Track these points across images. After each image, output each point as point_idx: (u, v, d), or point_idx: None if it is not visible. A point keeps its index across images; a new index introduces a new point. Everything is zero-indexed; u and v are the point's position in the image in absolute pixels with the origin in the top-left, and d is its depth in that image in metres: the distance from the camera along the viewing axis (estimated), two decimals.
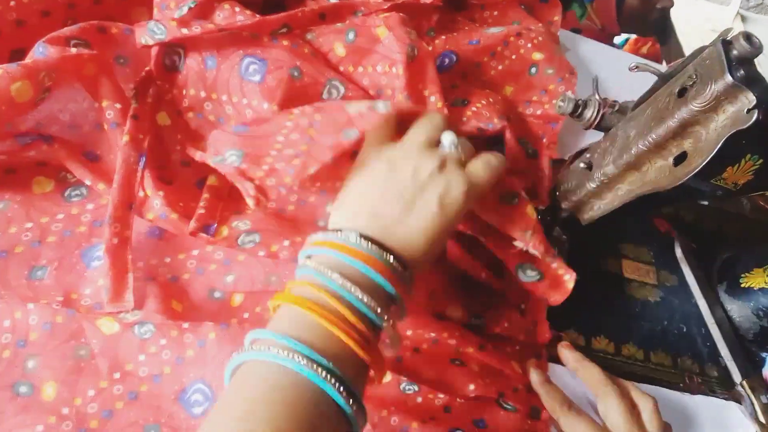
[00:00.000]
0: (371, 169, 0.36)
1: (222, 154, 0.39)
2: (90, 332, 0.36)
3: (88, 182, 0.41)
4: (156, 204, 0.40)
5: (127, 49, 0.44)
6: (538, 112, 0.58)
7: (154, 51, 0.43)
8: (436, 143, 0.37)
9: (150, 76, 0.44)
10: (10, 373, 0.35)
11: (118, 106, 0.41)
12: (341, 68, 0.48)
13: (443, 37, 0.55)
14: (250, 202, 0.38)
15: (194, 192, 0.44)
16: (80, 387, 0.36)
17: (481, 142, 0.50)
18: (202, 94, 0.45)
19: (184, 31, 0.42)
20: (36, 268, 0.39)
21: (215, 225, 0.41)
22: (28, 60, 0.39)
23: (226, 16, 0.44)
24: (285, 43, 0.44)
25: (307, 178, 0.38)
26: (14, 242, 0.39)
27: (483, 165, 0.37)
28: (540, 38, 0.57)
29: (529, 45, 0.56)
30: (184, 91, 0.45)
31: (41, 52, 0.39)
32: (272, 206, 0.41)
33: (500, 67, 0.57)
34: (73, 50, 0.39)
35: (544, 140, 0.57)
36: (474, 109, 0.52)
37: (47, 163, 0.41)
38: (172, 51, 0.43)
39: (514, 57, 0.56)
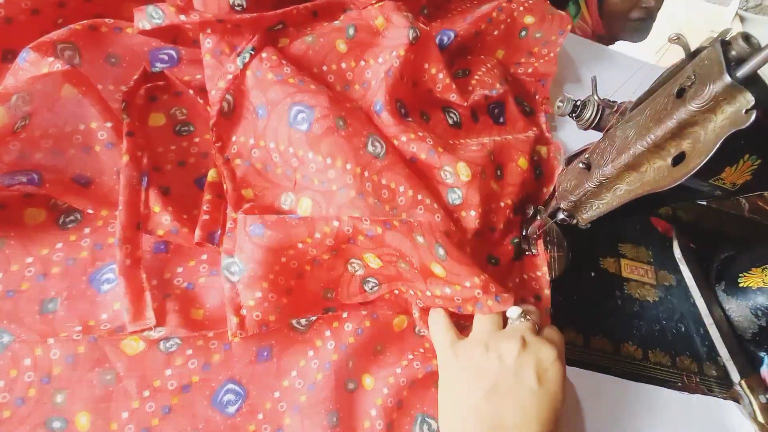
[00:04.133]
0: (459, 373, 0.36)
1: (232, 256, 0.39)
2: (113, 356, 0.37)
3: (90, 210, 0.41)
4: (166, 220, 0.40)
5: (118, 48, 0.44)
6: (529, 71, 0.61)
7: (214, 96, 0.44)
8: (503, 324, 0.38)
9: (138, 85, 0.44)
10: (41, 411, 0.35)
11: (109, 125, 0.40)
12: (343, 64, 0.48)
13: (439, 20, 0.57)
14: (229, 332, 0.38)
15: (194, 193, 0.44)
16: (113, 412, 0.36)
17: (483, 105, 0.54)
18: (251, 141, 0.45)
19: (182, 17, 0.42)
20: (46, 301, 0.38)
21: (219, 232, 0.41)
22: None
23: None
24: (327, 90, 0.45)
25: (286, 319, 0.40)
26: (19, 280, 0.38)
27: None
28: (531, 0, 0.58)
29: (522, 8, 0.57)
30: (233, 138, 0.46)
31: (23, 58, 0.39)
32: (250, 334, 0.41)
33: (496, 33, 0.58)
34: (57, 65, 0.39)
35: (537, 97, 0.60)
36: (477, 77, 0.55)
37: (34, 193, 0.40)
38: (223, 98, 0.44)
39: (508, 21, 0.58)
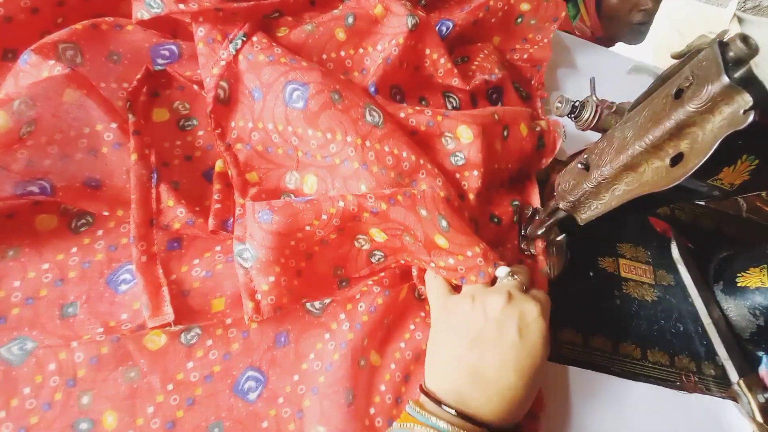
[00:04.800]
0: (446, 325, 0.38)
1: (244, 243, 0.40)
2: (136, 353, 0.37)
3: (105, 213, 0.41)
4: (180, 212, 0.41)
5: (120, 45, 0.44)
6: (525, 56, 0.62)
7: (209, 83, 0.44)
8: (493, 283, 0.40)
9: (141, 84, 0.45)
10: (68, 414, 0.35)
11: (114, 125, 0.40)
12: (342, 52, 0.49)
13: (437, 11, 0.58)
14: (245, 317, 0.39)
15: (203, 186, 0.45)
16: (138, 407, 0.36)
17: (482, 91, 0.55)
18: (250, 124, 0.46)
19: (181, 6, 0.42)
20: (66, 306, 0.38)
21: (232, 219, 0.42)
22: (2, 91, 0.39)
23: None
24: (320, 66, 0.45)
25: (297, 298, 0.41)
26: (37, 287, 0.39)
27: (541, 291, 0.40)
28: None
29: None
30: (232, 123, 0.46)
31: (24, 60, 0.39)
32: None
33: (493, 20, 0.59)
34: (58, 68, 0.39)
35: (534, 83, 0.62)
36: (476, 63, 0.56)
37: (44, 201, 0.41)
38: (218, 85, 0.45)
39: (506, 8, 0.59)
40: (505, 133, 0.50)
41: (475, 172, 0.46)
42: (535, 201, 0.52)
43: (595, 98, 0.49)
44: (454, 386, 0.35)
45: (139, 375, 0.37)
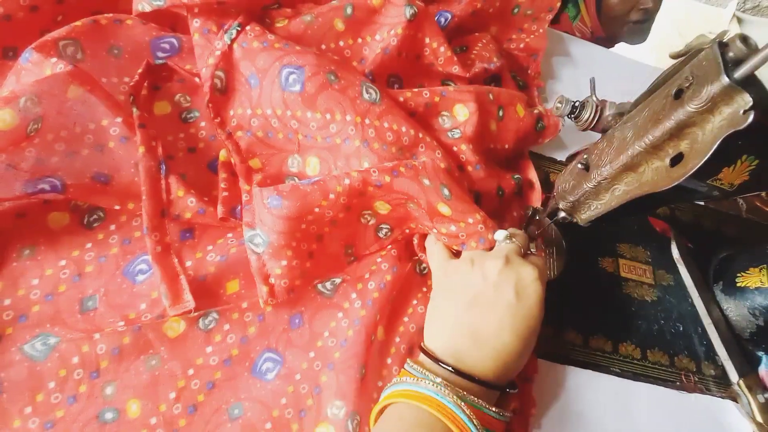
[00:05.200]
0: (446, 287, 0.39)
1: (254, 228, 0.41)
2: (156, 342, 0.38)
3: (117, 207, 0.41)
4: (191, 202, 0.41)
5: (120, 39, 0.45)
6: (521, 46, 0.64)
7: (205, 73, 0.45)
8: (492, 247, 0.40)
9: (142, 78, 0.45)
10: (93, 405, 0.36)
11: (119, 119, 0.41)
12: (341, 42, 0.50)
13: (435, 3, 0.58)
14: (260, 301, 0.40)
15: (209, 177, 0.45)
16: (161, 394, 0.37)
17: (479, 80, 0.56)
18: (248, 111, 0.46)
19: None
20: (85, 299, 0.39)
21: (240, 206, 0.43)
22: (4, 89, 0.39)
23: None
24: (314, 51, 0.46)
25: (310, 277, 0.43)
26: (55, 283, 0.39)
27: (539, 257, 0.41)
28: None
29: None
30: (231, 112, 0.47)
31: (26, 58, 0.39)
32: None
33: (491, 10, 0.60)
34: (60, 65, 0.39)
35: (530, 72, 0.63)
36: (475, 52, 0.58)
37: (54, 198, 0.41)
38: (214, 75, 0.45)
39: None
40: (500, 113, 0.51)
41: (471, 146, 0.48)
42: (533, 176, 0.55)
43: (595, 98, 0.49)
44: (452, 345, 0.36)
45: (159, 362, 0.38)
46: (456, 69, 0.53)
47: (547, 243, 0.51)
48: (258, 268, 0.40)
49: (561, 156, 0.59)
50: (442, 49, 0.52)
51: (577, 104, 0.51)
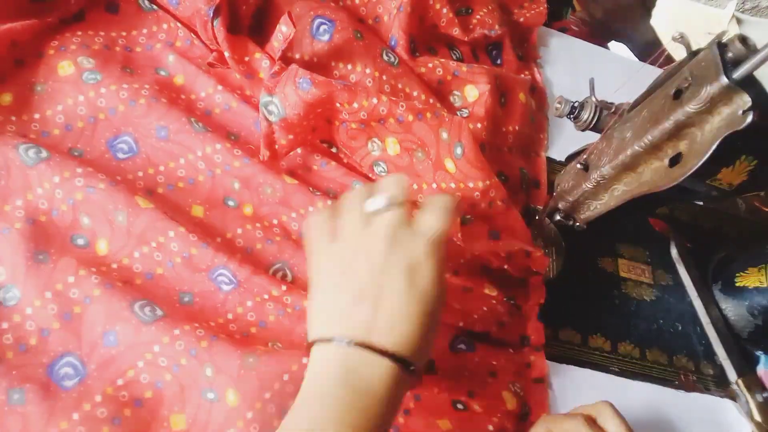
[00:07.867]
0: (327, 275, 0.34)
1: (272, 95, 0.42)
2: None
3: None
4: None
5: None
6: (521, 20, 0.65)
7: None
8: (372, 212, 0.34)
9: None
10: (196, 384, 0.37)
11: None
12: (357, 0, 0.52)
13: None
14: (261, 157, 0.44)
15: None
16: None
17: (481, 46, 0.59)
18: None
19: None
20: (182, 295, 0.41)
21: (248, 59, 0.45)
22: None
23: None
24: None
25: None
26: (155, 264, 0.40)
27: (432, 215, 0.33)
28: None
29: None
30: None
31: None
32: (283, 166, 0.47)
33: None
34: None
35: (526, 45, 0.65)
36: (478, 17, 0.59)
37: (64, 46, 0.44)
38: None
39: None
40: (503, 100, 0.53)
41: (479, 125, 0.50)
42: (542, 177, 0.56)
43: (594, 99, 0.49)
44: (344, 338, 0.31)
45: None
46: (456, 31, 0.55)
47: (547, 243, 0.51)
48: (266, 134, 0.43)
49: (561, 156, 0.59)
50: (444, 10, 0.54)
51: (576, 105, 0.51)
